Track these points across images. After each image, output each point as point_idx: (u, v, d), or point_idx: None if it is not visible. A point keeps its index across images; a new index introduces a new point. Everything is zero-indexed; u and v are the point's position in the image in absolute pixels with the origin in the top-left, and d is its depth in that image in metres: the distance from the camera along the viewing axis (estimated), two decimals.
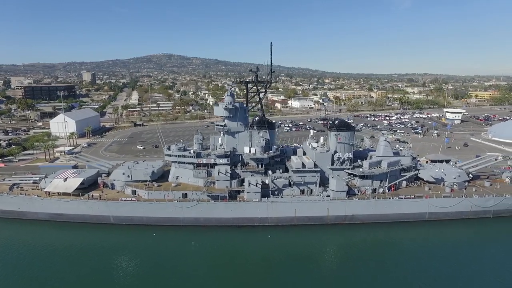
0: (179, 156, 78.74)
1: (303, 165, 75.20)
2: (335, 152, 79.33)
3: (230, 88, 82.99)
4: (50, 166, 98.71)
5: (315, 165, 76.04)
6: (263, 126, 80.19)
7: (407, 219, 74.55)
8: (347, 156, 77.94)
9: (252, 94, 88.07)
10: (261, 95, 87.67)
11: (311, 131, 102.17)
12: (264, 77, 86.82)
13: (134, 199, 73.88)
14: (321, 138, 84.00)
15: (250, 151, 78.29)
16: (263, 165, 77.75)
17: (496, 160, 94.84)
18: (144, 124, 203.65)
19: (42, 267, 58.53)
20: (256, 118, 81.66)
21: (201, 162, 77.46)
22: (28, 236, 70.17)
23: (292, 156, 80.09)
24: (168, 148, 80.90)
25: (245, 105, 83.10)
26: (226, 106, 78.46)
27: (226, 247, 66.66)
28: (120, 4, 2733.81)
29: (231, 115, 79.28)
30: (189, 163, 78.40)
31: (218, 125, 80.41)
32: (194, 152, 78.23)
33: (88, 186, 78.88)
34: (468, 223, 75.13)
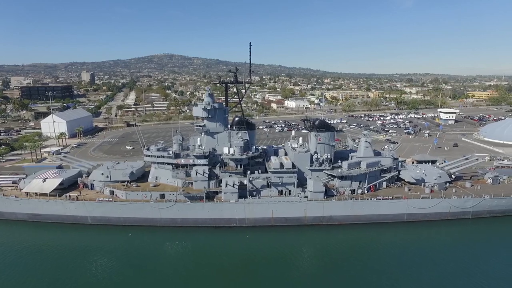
0: (158, 156, 78.74)
1: (282, 166, 74.84)
2: (315, 152, 79.11)
3: (209, 89, 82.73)
4: (33, 166, 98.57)
5: (294, 166, 75.74)
6: (242, 126, 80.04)
7: (385, 220, 74.18)
8: (326, 156, 77.64)
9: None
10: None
11: (293, 131, 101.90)
12: (241, 77, 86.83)
13: (112, 199, 73.87)
14: (300, 138, 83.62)
15: (229, 151, 78.13)
16: (242, 166, 77.55)
17: (483, 160, 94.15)
18: (137, 124, 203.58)
19: (19, 267, 58.44)
20: (236, 119, 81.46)
21: (179, 163, 77.45)
22: (5, 237, 70.17)
23: (271, 157, 79.82)
24: (148, 149, 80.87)
25: (224, 105, 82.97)
26: (205, 106, 78.37)
27: (204, 247, 66.48)
28: (122, 4, 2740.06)
29: (210, 116, 79.13)
30: (168, 164, 78.38)
31: (197, 126, 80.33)
32: (173, 152, 78.18)
33: (68, 187, 78.99)
34: (447, 224, 74.66)
